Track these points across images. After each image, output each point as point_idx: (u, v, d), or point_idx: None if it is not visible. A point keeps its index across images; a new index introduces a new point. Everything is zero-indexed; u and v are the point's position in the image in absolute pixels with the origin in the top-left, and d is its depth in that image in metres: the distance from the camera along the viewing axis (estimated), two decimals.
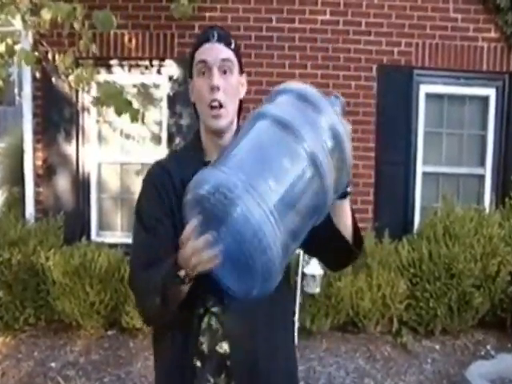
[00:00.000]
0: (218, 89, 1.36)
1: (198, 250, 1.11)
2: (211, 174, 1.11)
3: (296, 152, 1.10)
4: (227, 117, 1.40)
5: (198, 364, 1.37)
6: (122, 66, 4.88)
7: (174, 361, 1.39)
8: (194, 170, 1.26)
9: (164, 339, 1.43)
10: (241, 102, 1.48)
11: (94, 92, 4.21)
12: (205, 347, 1.36)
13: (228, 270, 1.14)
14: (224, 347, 1.37)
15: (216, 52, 1.38)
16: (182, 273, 1.18)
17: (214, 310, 1.37)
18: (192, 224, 1.13)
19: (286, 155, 1.11)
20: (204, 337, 1.36)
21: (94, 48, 3.74)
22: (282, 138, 1.12)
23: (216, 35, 1.38)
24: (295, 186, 1.09)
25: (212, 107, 1.38)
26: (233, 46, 1.41)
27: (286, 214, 1.08)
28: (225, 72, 1.38)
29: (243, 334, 1.37)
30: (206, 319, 1.37)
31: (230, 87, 1.39)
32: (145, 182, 1.46)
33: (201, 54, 1.39)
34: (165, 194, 1.39)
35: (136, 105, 4.29)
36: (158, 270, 1.26)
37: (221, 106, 1.37)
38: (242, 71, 1.45)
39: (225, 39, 1.40)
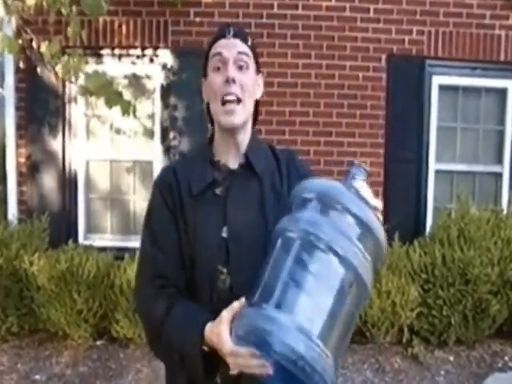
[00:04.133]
0: (234, 81, 1.39)
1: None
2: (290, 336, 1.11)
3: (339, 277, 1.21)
4: (242, 113, 1.42)
5: None
6: (112, 55, 4.87)
7: None
8: (200, 169, 1.43)
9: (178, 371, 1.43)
10: (257, 103, 1.51)
11: (82, 83, 4.20)
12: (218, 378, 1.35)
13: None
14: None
15: (232, 45, 1.43)
16: (206, 348, 1.27)
17: None
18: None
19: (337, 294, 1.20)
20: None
21: (84, 35, 3.72)
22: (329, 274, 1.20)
23: (232, 31, 1.44)
24: (346, 316, 1.21)
25: (226, 102, 1.40)
26: (249, 42, 1.47)
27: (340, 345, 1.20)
28: (241, 67, 1.42)
29: None
30: None
31: (247, 83, 1.42)
32: (153, 187, 1.51)
33: (216, 48, 1.44)
34: (170, 198, 1.44)
35: (127, 96, 4.28)
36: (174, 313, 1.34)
37: (238, 100, 1.40)
38: (258, 71, 1.50)
39: (241, 35, 1.46)
